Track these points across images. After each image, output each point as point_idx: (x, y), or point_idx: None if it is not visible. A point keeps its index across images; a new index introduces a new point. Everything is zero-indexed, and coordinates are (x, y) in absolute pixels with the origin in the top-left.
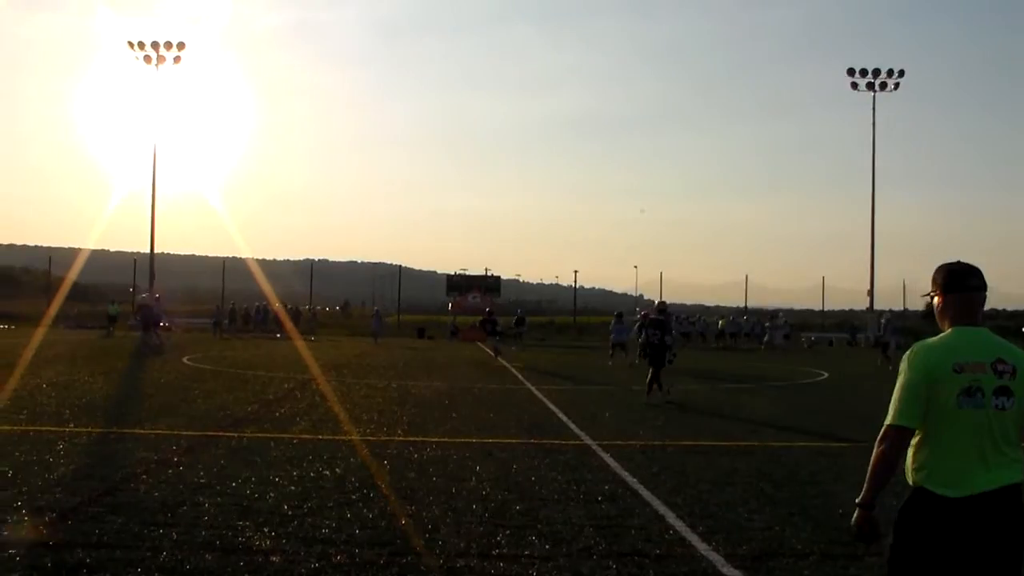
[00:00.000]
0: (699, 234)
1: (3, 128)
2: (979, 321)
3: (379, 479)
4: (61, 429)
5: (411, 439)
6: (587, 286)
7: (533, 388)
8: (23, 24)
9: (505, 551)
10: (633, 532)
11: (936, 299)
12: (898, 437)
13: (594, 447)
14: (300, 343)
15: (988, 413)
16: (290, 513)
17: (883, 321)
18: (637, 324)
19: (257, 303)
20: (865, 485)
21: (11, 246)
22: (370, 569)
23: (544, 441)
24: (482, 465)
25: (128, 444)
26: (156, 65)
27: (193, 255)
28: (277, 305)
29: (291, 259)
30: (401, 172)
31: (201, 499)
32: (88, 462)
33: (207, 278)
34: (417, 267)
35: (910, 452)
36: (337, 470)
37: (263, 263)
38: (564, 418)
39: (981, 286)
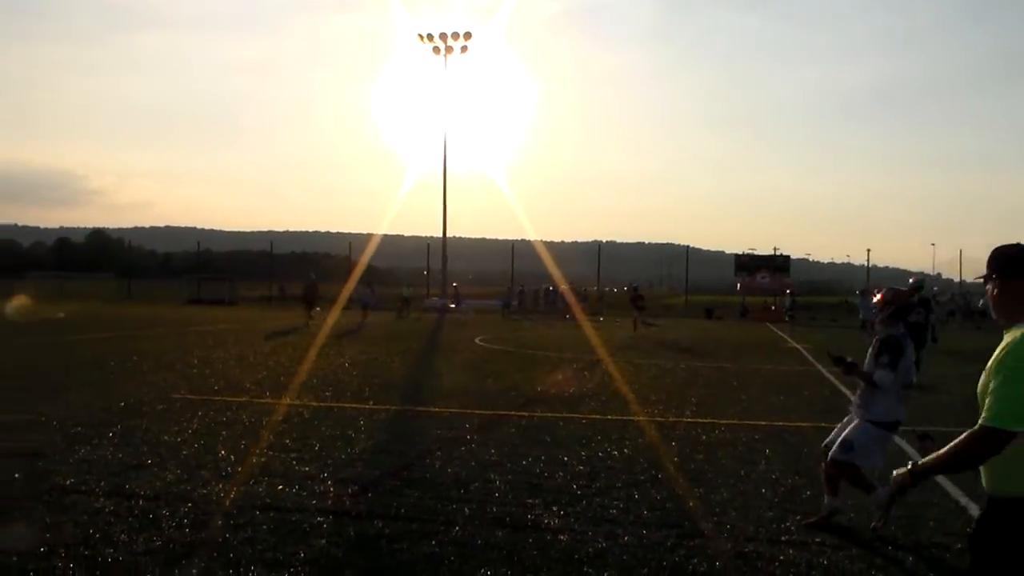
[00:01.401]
0: (1002, 210)
1: (306, 122)
2: None
3: (667, 460)
4: (362, 406)
5: (699, 420)
6: (880, 264)
7: (823, 370)
8: (324, 25)
9: (795, 538)
10: (931, 524)
11: (1005, 283)
12: (1003, 441)
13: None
14: (588, 324)
15: None
16: (578, 492)
17: None
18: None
19: (545, 285)
20: (933, 462)
21: (315, 232)
22: (657, 551)
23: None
24: (772, 449)
25: (423, 421)
26: (444, 56)
27: (483, 239)
28: (564, 287)
29: (579, 241)
30: (688, 151)
31: (492, 476)
32: (386, 438)
33: (497, 261)
34: (705, 247)
35: (1005, 458)
36: (625, 450)
37: (551, 245)
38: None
39: None
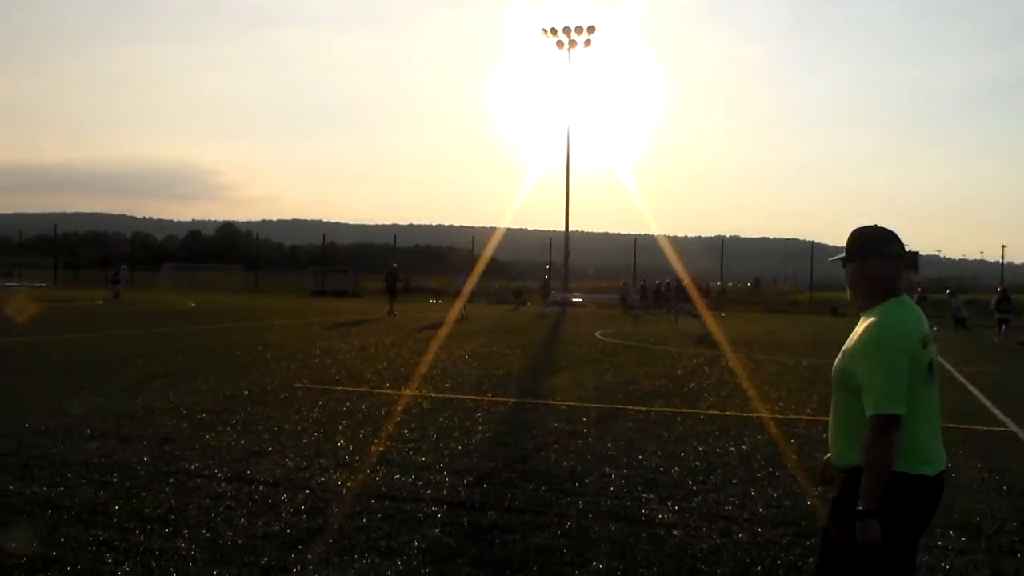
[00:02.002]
0: None
1: (430, 117)
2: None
3: (786, 458)
4: (481, 398)
5: (821, 418)
6: (1016, 262)
7: (952, 369)
8: (449, 21)
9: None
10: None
11: (864, 265)
12: (899, 423)
13: (1021, 435)
14: (709, 319)
15: (936, 387)
16: (694, 488)
17: None
18: (995, 299)
19: (667, 279)
20: (874, 489)
21: (438, 226)
22: (772, 549)
23: (963, 426)
24: None
25: (541, 414)
26: (568, 50)
27: (606, 233)
28: (686, 281)
29: (702, 236)
30: (814, 147)
31: (608, 470)
32: (503, 430)
33: (619, 255)
34: (831, 243)
35: (841, 435)
36: (743, 447)
37: (673, 240)
38: (986, 402)
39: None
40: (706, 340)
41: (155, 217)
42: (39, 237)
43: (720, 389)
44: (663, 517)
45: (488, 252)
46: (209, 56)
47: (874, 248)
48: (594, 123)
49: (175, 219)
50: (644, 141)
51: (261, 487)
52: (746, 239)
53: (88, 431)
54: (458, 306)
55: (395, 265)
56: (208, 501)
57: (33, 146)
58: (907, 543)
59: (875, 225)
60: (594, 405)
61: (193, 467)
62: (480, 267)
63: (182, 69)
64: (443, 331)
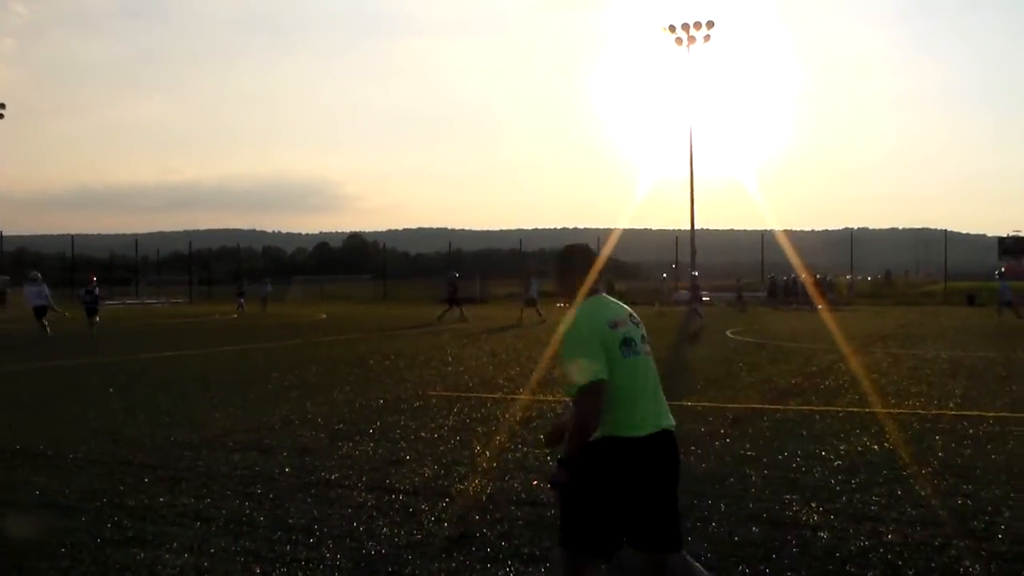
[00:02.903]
0: None
1: (551, 120)
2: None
3: (930, 455)
4: None
5: (965, 413)
6: None
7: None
8: (570, 25)
9: None
10: None
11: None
12: (587, 393)
13: None
14: (839, 314)
15: (640, 360)
16: (838, 488)
17: None
18: None
19: (792, 275)
20: (573, 444)
21: (562, 229)
22: (924, 550)
23: None
24: None
25: (677, 416)
26: (687, 46)
27: (732, 230)
28: (811, 276)
29: (828, 229)
30: (942, 133)
31: (748, 471)
32: None
33: (744, 252)
34: (963, 230)
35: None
36: (886, 444)
37: (799, 235)
38: None
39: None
40: (839, 335)
41: (284, 231)
42: (175, 255)
43: (857, 385)
44: (808, 519)
45: (606, 251)
46: (330, 68)
47: (567, 263)
48: (716, 119)
49: (303, 232)
50: (768, 136)
51: (401, 496)
52: (875, 230)
53: (230, 443)
54: (522, 312)
55: (456, 274)
56: (350, 511)
57: (167, 166)
58: (603, 497)
59: (575, 244)
60: (730, 405)
61: (333, 477)
62: (598, 268)
63: (305, 82)
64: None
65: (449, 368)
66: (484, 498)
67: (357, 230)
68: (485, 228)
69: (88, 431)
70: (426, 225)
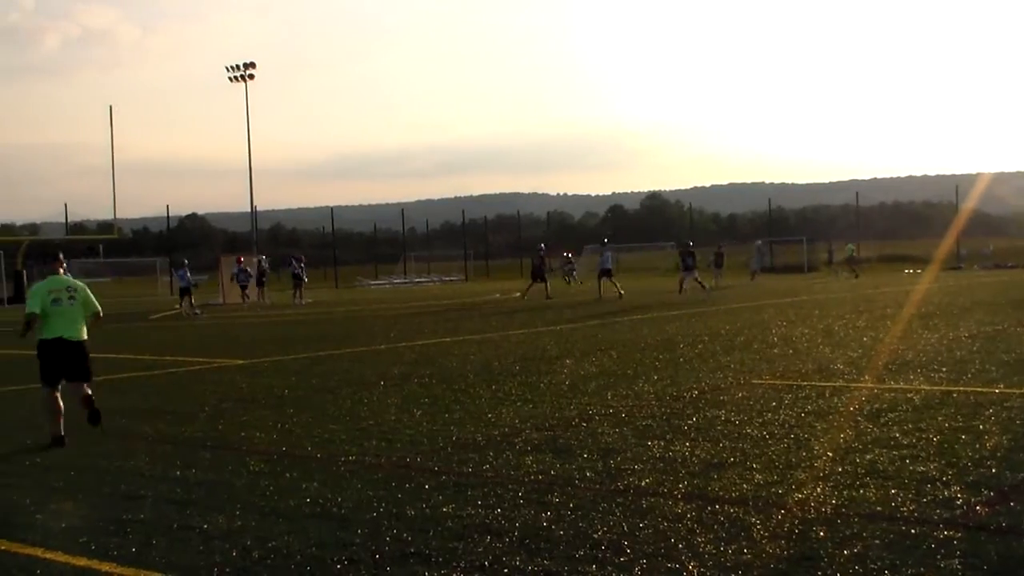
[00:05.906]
0: None
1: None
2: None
3: None
4: (989, 390)
5: None
6: None
7: None
8: None
9: None
10: None
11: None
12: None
13: None
14: None
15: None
16: None
17: None
18: None
19: None
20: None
21: (909, 177)
22: None
23: None
24: None
25: None
26: None
27: None
28: None
29: None
30: None
31: None
32: None
33: None
34: None
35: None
36: None
37: None
38: None
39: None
40: None
41: (570, 193)
42: (445, 225)
43: None
44: None
45: (972, 204)
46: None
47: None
48: None
49: (593, 194)
50: None
51: (726, 506)
52: None
53: (520, 443)
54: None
55: (543, 245)
56: (665, 524)
57: (438, 124)
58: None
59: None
60: None
61: (644, 483)
62: (960, 223)
63: (594, 24)
64: (912, 310)
65: (776, 351)
66: (828, 510)
67: (656, 189)
68: (811, 180)
69: (360, 431)
70: (738, 180)
